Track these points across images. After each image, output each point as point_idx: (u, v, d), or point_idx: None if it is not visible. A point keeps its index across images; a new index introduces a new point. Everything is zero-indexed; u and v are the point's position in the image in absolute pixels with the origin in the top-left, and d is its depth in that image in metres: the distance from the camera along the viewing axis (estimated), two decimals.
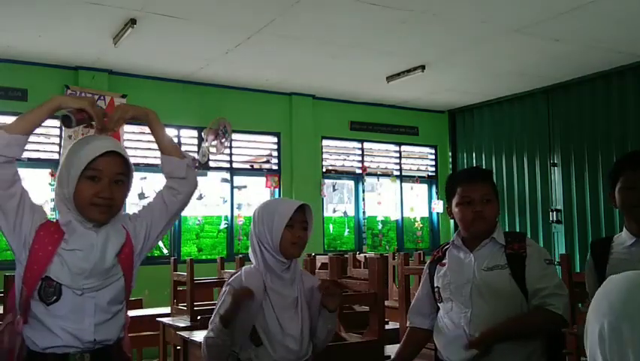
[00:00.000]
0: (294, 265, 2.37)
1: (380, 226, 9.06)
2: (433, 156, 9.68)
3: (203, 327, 4.36)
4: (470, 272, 2.35)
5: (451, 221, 9.39)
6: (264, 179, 8.24)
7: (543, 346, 2.32)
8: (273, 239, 2.26)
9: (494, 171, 8.66)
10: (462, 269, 2.38)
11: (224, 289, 2.34)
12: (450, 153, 9.61)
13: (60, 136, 6.87)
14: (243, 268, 2.39)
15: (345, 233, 8.90)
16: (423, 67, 6.99)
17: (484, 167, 8.80)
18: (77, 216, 1.89)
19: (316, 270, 4.84)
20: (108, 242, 1.90)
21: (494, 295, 2.28)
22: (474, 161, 9.19)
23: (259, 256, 2.31)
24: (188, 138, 7.79)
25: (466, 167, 9.31)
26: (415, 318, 2.61)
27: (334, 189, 8.89)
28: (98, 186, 1.88)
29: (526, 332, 2.28)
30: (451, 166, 9.57)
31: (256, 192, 8.21)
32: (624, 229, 2.35)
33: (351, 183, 9.04)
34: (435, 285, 2.48)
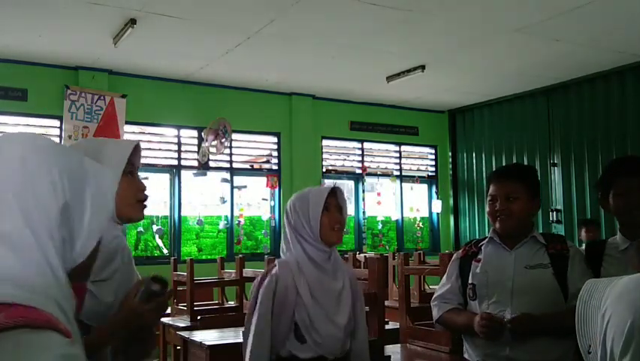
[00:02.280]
0: (335, 254, 2.30)
1: (380, 226, 9.06)
2: (433, 156, 9.68)
3: (204, 327, 4.37)
4: (511, 270, 2.34)
5: (451, 221, 9.50)
6: (264, 179, 8.24)
7: (575, 347, 2.33)
8: (312, 227, 2.19)
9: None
10: (502, 266, 2.36)
11: (258, 287, 2.24)
12: (450, 153, 9.61)
13: (60, 136, 6.87)
14: (277, 261, 2.29)
15: (345, 233, 8.88)
16: (423, 67, 7.00)
17: (484, 167, 8.92)
18: None
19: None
20: None
21: (536, 293, 2.29)
22: (474, 161, 9.20)
23: (298, 249, 2.22)
24: (188, 138, 7.79)
25: (466, 167, 9.33)
26: (447, 303, 2.49)
27: None
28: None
29: (562, 328, 2.22)
30: (451, 166, 9.58)
31: (256, 192, 8.23)
32: (619, 233, 2.36)
33: (351, 183, 9.04)
34: (470, 281, 2.43)
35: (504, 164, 8.65)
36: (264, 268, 4.48)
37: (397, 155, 9.38)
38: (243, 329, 4.49)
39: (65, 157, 1.00)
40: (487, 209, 2.48)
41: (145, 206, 1.85)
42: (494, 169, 2.88)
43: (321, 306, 2.16)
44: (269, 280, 2.21)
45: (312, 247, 2.21)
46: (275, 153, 8.38)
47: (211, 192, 7.97)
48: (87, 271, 1.05)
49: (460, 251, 2.59)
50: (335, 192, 2.27)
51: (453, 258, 2.61)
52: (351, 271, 2.41)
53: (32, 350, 0.82)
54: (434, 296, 2.57)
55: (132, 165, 1.80)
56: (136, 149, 1.83)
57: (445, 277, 2.58)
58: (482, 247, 2.48)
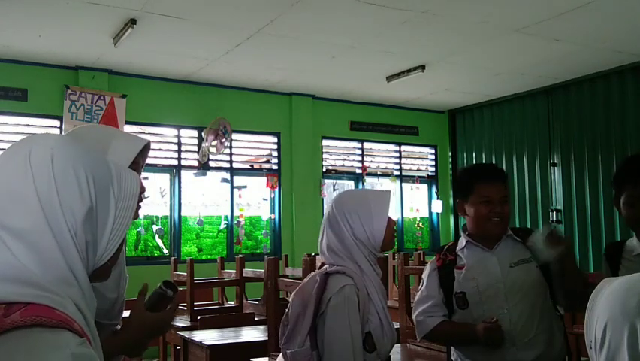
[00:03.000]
0: None
1: None
2: (433, 156, 9.68)
3: (204, 327, 4.37)
4: (497, 271, 2.31)
5: (451, 221, 9.50)
6: (264, 179, 8.24)
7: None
8: (375, 238, 2.08)
9: None
10: (487, 270, 2.33)
11: (319, 295, 2.03)
12: (450, 153, 9.61)
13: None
14: (344, 269, 2.06)
15: None
16: (423, 67, 7.00)
17: None
18: None
19: (316, 270, 4.83)
20: None
21: (527, 289, 2.29)
22: (474, 161, 9.19)
23: (361, 255, 2.08)
24: (188, 138, 7.79)
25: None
26: (433, 317, 2.38)
27: (334, 189, 8.88)
28: None
29: (577, 280, 2.26)
30: (451, 166, 9.58)
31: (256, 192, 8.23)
32: (634, 236, 2.31)
33: (351, 183, 9.04)
34: (456, 290, 2.35)
35: (504, 164, 8.65)
36: (264, 268, 4.48)
37: (397, 155, 9.38)
38: (244, 329, 4.50)
39: (93, 160, 1.00)
40: (471, 210, 2.37)
41: (139, 207, 1.85)
42: (473, 167, 2.68)
43: (386, 310, 2.10)
44: (348, 291, 1.99)
45: (369, 253, 2.10)
46: (275, 153, 8.38)
47: (211, 193, 7.98)
48: (107, 271, 1.06)
49: (435, 261, 2.48)
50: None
51: (428, 270, 2.48)
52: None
53: (44, 348, 0.83)
54: (417, 312, 2.43)
55: (136, 163, 1.78)
56: (145, 148, 1.81)
57: (423, 289, 2.45)
58: (459, 253, 2.41)
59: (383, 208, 2.10)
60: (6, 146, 6.39)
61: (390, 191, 2.21)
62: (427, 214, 9.58)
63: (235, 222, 7.97)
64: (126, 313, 1.79)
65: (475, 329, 2.23)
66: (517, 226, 8.34)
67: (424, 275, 2.49)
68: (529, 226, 8.24)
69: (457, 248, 2.43)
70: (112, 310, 1.81)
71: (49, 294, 0.88)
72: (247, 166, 8.34)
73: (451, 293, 2.37)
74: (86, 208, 0.95)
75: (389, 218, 2.11)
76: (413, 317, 2.46)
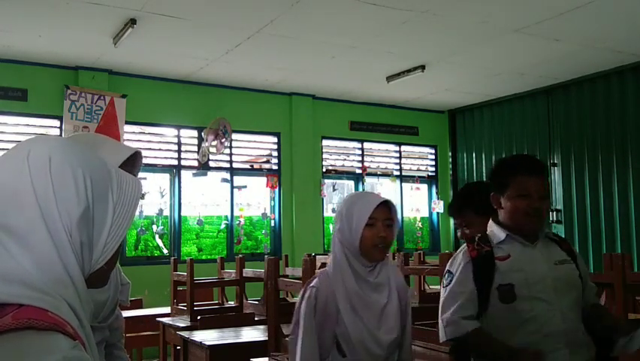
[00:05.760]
0: (382, 266, 2.12)
1: None
2: (433, 156, 9.68)
3: (204, 327, 4.38)
4: (545, 266, 2.19)
5: (451, 221, 9.47)
6: (264, 179, 8.24)
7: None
8: (353, 240, 2.04)
9: None
10: (534, 263, 2.19)
11: (300, 300, 2.12)
12: (450, 153, 9.61)
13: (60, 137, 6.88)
14: (321, 271, 2.18)
15: None
16: (423, 67, 7.00)
17: (484, 167, 8.91)
18: None
19: (316, 270, 4.84)
20: None
21: (572, 288, 2.22)
22: (474, 161, 9.19)
23: (342, 257, 2.07)
24: (188, 138, 7.79)
25: (466, 167, 9.32)
26: (467, 320, 2.17)
27: (334, 189, 8.89)
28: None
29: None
30: (451, 166, 9.57)
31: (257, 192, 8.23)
32: (495, 224, 2.26)
33: (351, 183, 9.04)
34: (501, 283, 2.15)
35: None
36: (264, 268, 4.48)
37: (397, 155, 9.38)
38: (244, 329, 4.50)
39: (92, 162, 1.00)
40: (510, 205, 2.21)
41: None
42: (512, 158, 2.44)
43: (362, 320, 2.02)
44: (309, 293, 2.10)
45: (354, 259, 2.06)
46: (275, 153, 8.38)
47: (211, 193, 7.98)
48: (105, 277, 1.05)
49: (468, 252, 2.24)
50: (388, 205, 2.07)
51: (461, 262, 2.23)
52: (401, 282, 2.21)
53: (35, 351, 0.82)
54: (450, 310, 2.18)
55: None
56: (136, 158, 1.81)
57: (454, 284, 2.21)
58: (499, 245, 2.22)
59: (365, 211, 2.04)
60: (6, 146, 6.40)
61: (385, 200, 2.09)
62: (427, 214, 9.58)
63: (235, 222, 7.97)
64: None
65: (515, 351, 2.05)
66: None
67: (454, 268, 2.24)
68: None
69: (495, 241, 2.23)
70: (101, 312, 1.81)
71: (44, 295, 0.88)
72: (247, 166, 8.33)
73: (489, 287, 2.16)
74: (82, 209, 0.95)
75: (379, 225, 2.04)
76: (444, 316, 2.20)
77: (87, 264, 0.98)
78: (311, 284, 2.13)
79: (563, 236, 7.67)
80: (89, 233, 0.97)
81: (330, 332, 2.04)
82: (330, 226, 8.78)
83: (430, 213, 9.57)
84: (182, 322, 4.84)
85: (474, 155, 9.22)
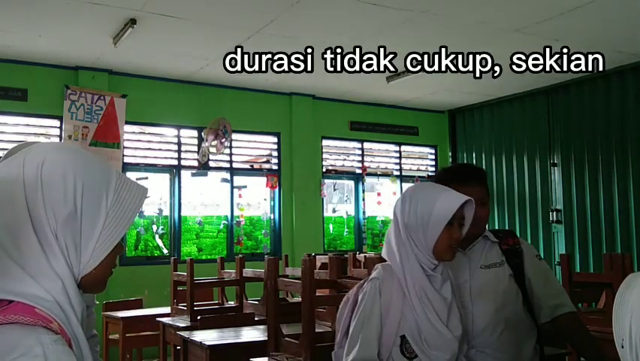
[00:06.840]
0: (444, 267, 2.04)
1: (380, 226, 9.06)
2: (433, 156, 9.69)
3: (204, 327, 4.37)
4: (467, 272, 2.28)
5: None
6: (264, 179, 8.24)
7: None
8: (427, 239, 1.93)
9: (494, 171, 8.67)
10: (457, 269, 2.27)
11: (356, 293, 2.00)
12: (450, 153, 9.61)
13: (60, 136, 6.87)
14: (379, 264, 2.04)
15: (345, 233, 8.90)
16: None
17: (484, 167, 8.91)
18: None
19: (316, 270, 4.84)
20: None
21: (493, 292, 2.26)
22: (474, 161, 9.19)
23: (408, 250, 1.95)
24: (188, 138, 7.79)
25: None
26: None
27: (334, 189, 8.89)
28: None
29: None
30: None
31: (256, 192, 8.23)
32: None
33: (351, 183, 9.04)
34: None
35: (504, 164, 8.65)
36: (264, 268, 4.48)
37: (397, 155, 9.38)
38: (244, 329, 4.49)
39: (86, 168, 1.02)
40: None
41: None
42: (450, 168, 2.61)
43: (432, 315, 1.91)
44: (371, 284, 1.96)
45: (420, 254, 1.95)
46: (275, 153, 8.38)
47: (211, 193, 7.98)
48: (100, 282, 1.06)
49: None
50: (466, 205, 1.97)
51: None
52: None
53: (16, 343, 0.87)
54: None
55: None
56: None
57: None
58: None
59: (447, 211, 1.92)
60: (6, 146, 6.40)
61: (460, 195, 1.97)
62: None
63: (235, 222, 7.97)
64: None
65: None
66: (517, 225, 8.34)
67: None
68: (529, 226, 8.25)
69: None
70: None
71: (33, 290, 0.92)
72: (247, 166, 8.33)
73: None
74: (68, 211, 0.97)
75: (456, 225, 1.96)
76: None
77: (76, 266, 0.99)
78: (370, 277, 1.99)
79: (563, 236, 7.75)
80: (75, 235, 0.98)
81: (392, 330, 1.92)
82: (331, 226, 8.78)
83: None
84: (182, 322, 4.84)
85: (474, 155, 9.22)
